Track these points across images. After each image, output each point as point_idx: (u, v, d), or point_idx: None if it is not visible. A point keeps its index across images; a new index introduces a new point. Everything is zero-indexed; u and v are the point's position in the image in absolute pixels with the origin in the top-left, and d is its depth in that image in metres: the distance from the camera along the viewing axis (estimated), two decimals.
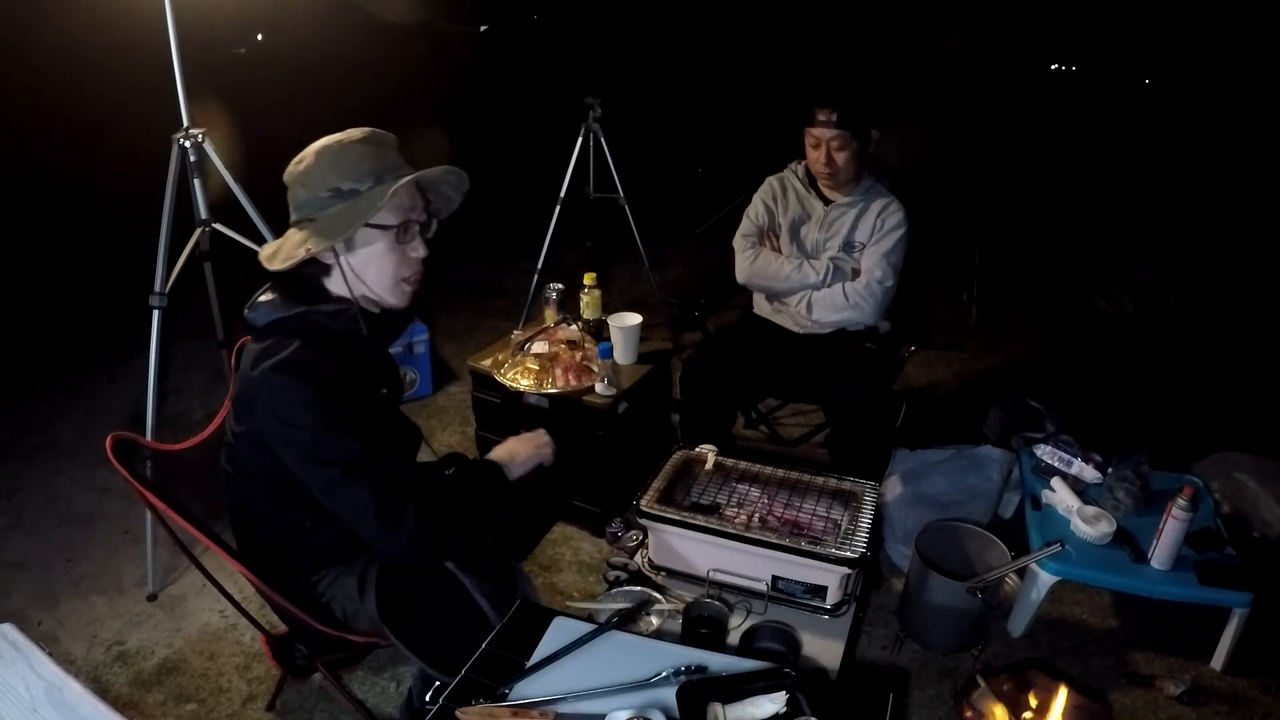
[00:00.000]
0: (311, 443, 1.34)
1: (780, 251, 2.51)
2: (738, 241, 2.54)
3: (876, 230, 2.42)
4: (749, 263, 2.49)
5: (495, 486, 1.58)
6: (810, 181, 2.51)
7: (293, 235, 1.42)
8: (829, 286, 2.42)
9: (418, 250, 1.46)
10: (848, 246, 2.46)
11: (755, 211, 2.55)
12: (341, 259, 1.41)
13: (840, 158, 2.36)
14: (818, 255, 2.48)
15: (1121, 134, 6.56)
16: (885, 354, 2.55)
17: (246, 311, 1.44)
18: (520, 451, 1.69)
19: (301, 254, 1.37)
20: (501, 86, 7.90)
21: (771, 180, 2.58)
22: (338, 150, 1.39)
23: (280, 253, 1.41)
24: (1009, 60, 6.65)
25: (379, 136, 1.44)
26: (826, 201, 2.48)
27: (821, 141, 2.35)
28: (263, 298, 1.44)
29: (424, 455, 1.82)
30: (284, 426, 1.34)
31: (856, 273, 2.43)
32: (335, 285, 1.44)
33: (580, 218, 3.82)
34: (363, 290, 1.45)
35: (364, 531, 1.38)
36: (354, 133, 1.43)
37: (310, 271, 1.43)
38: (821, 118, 2.33)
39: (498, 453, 1.68)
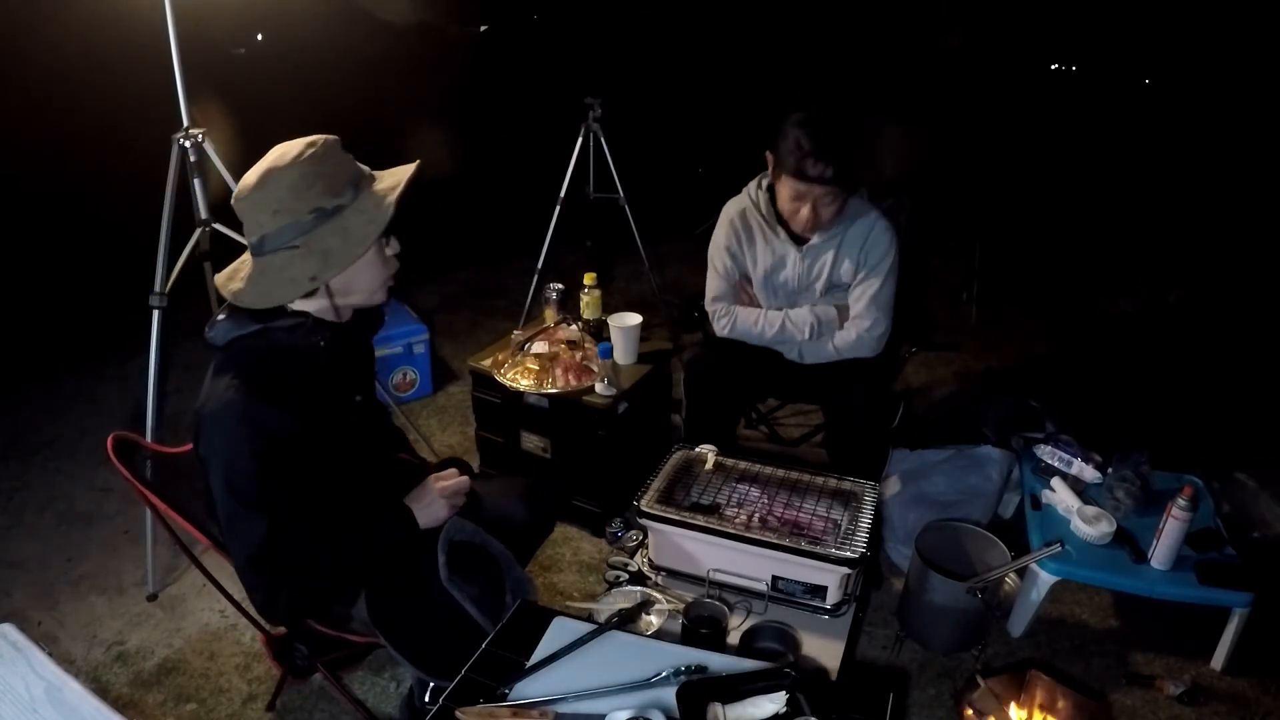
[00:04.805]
0: (229, 513, 1.34)
1: (756, 300, 2.32)
2: (709, 307, 2.34)
3: (861, 266, 2.19)
4: (727, 329, 2.31)
5: (401, 540, 1.52)
6: (777, 219, 2.21)
7: (272, 263, 1.33)
8: (818, 340, 2.27)
9: (394, 248, 1.43)
10: (832, 288, 2.25)
11: (722, 264, 2.29)
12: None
13: (827, 212, 2.10)
14: (799, 299, 2.28)
15: (1121, 134, 6.56)
16: (885, 354, 2.54)
17: (207, 331, 1.39)
18: (420, 501, 1.56)
19: (310, 285, 1.32)
20: (501, 86, 7.90)
21: (733, 217, 2.26)
22: (308, 167, 1.30)
23: (266, 288, 1.33)
24: (1009, 60, 6.65)
25: (330, 143, 1.35)
26: (799, 241, 2.22)
27: (808, 196, 2.06)
28: (221, 316, 1.39)
29: (424, 454, 1.83)
30: (214, 477, 1.33)
31: (844, 310, 2.26)
32: (303, 302, 1.38)
33: (580, 218, 3.82)
34: (349, 301, 1.42)
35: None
36: (305, 146, 1.32)
37: None
38: (813, 173, 2.01)
39: (413, 499, 1.56)
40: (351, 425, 1.49)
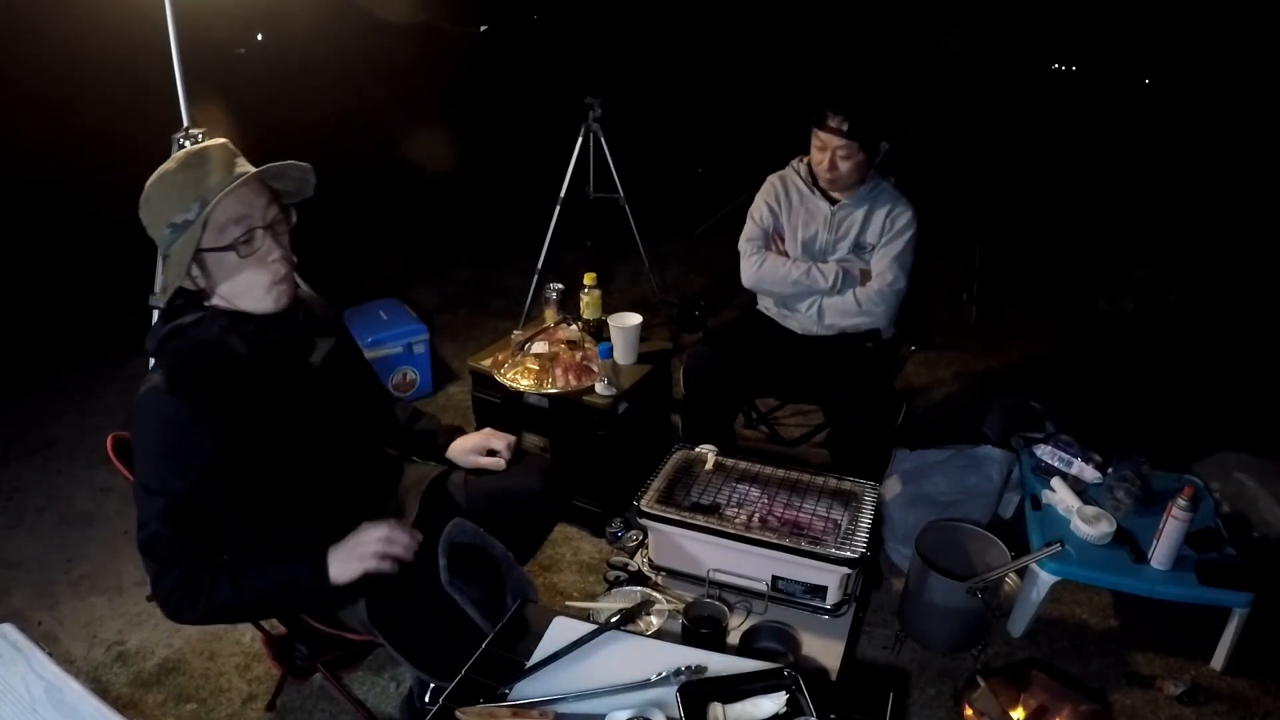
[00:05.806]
0: (135, 492, 1.39)
1: (787, 254, 2.48)
2: (743, 246, 2.50)
3: (886, 231, 2.38)
4: (755, 269, 2.46)
5: (307, 592, 1.46)
6: (814, 180, 2.44)
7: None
8: (840, 293, 2.40)
9: (272, 253, 1.40)
10: (858, 248, 2.41)
11: (759, 213, 2.50)
12: (206, 285, 1.40)
13: (845, 166, 2.31)
14: (826, 258, 2.45)
15: (1122, 134, 6.56)
16: (885, 354, 2.55)
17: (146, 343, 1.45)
18: (342, 553, 1.44)
19: (164, 296, 1.40)
20: (501, 86, 7.90)
21: (774, 180, 2.51)
22: (157, 186, 1.38)
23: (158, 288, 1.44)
24: (1009, 61, 6.65)
25: (196, 156, 1.39)
26: (832, 201, 2.42)
27: (828, 146, 2.29)
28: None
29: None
30: (135, 460, 1.40)
31: (865, 274, 2.41)
32: (215, 303, 1.43)
33: (580, 218, 3.82)
34: (239, 305, 1.42)
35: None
36: (174, 159, 1.39)
37: (189, 298, 1.43)
38: (832, 124, 2.27)
39: (338, 547, 1.45)
40: (294, 419, 1.47)
